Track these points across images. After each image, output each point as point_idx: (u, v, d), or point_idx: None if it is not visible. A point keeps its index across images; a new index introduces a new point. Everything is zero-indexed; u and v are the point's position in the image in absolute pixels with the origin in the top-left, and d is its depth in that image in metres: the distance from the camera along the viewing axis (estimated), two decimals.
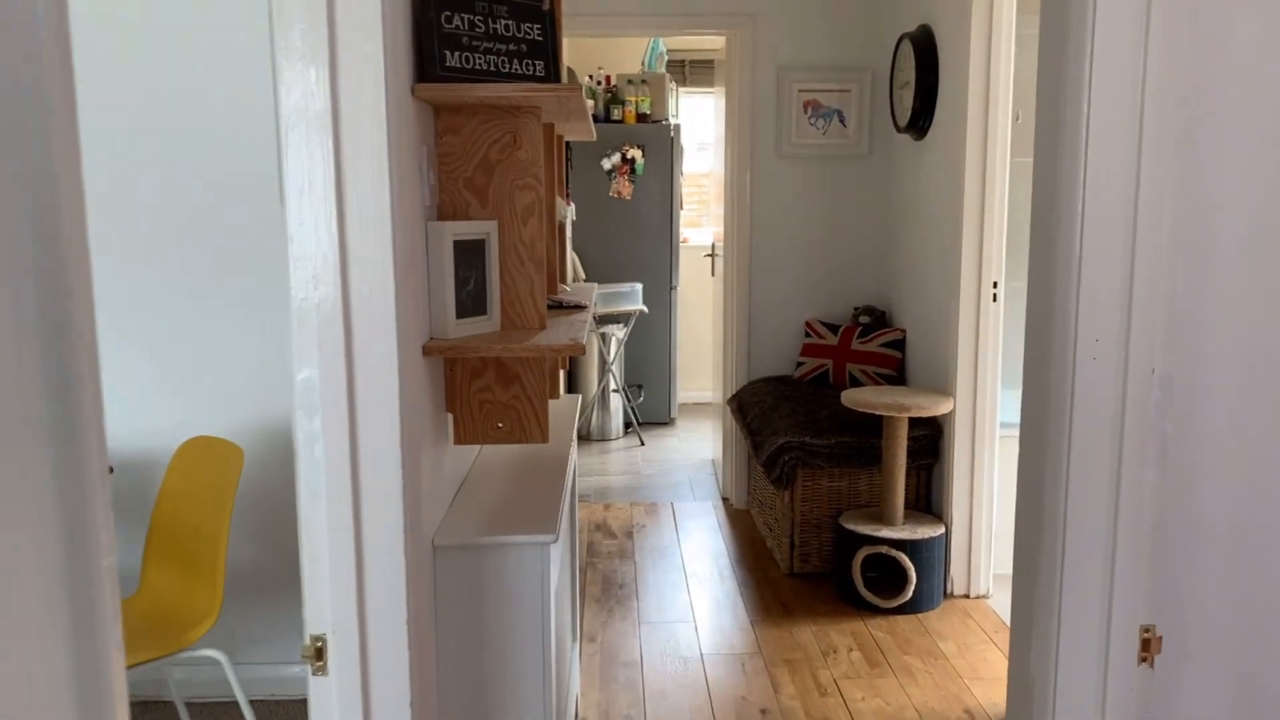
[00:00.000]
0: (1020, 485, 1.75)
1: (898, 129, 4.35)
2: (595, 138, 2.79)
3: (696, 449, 6.00)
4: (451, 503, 1.97)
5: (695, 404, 7.05)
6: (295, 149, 1.47)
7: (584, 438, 6.23)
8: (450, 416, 1.93)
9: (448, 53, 1.69)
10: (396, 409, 1.54)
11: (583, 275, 6.08)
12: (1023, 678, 1.77)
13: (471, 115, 1.83)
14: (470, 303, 1.82)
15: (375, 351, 1.52)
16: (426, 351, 1.72)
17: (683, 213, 6.72)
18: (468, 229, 1.80)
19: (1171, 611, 1.59)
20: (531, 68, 1.79)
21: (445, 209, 1.86)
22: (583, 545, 4.41)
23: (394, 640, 1.59)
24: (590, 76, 6.37)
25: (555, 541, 1.78)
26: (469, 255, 1.81)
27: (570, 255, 6.16)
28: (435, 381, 1.84)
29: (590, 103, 6.34)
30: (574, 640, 3.05)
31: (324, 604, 1.57)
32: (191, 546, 2.62)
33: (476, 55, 1.73)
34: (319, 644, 1.58)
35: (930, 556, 3.71)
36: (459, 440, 1.91)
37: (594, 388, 6.17)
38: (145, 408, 2.92)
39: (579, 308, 2.21)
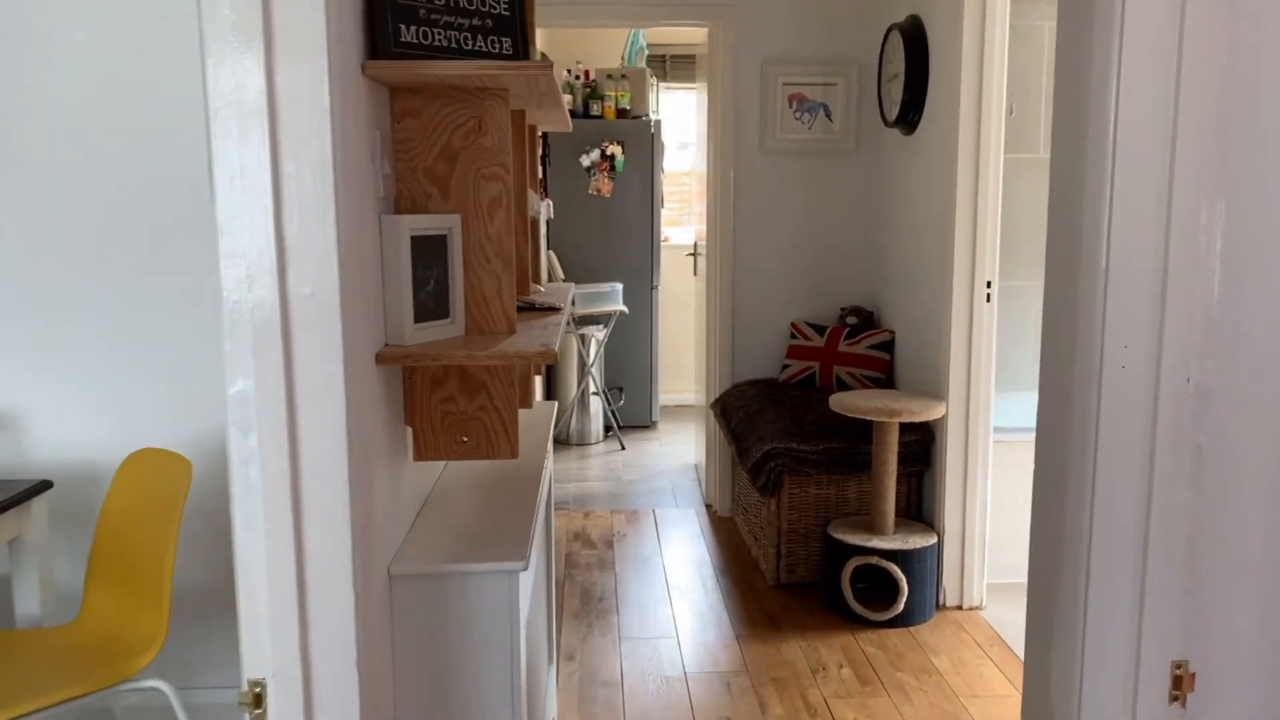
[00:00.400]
0: (1036, 504, 1.60)
1: (886, 123, 4.21)
2: (571, 128, 2.63)
3: (679, 453, 5.84)
4: (411, 526, 1.80)
5: (677, 406, 6.88)
6: (225, 132, 1.30)
7: (563, 442, 6.06)
8: (409, 430, 1.75)
9: (402, 27, 1.52)
10: (342, 424, 1.36)
11: (561, 275, 5.91)
12: (1041, 714, 1.62)
13: (432, 97, 1.65)
14: (430, 305, 1.65)
15: (318, 360, 1.35)
16: (380, 359, 1.54)
17: (664, 211, 6.56)
18: (427, 223, 1.62)
19: (1205, 645, 1.44)
20: (497, 45, 1.62)
21: (403, 201, 1.68)
22: (561, 556, 4.24)
23: (342, 684, 1.41)
24: (569, 71, 6.19)
25: (525, 569, 1.62)
26: (429, 252, 1.64)
27: (548, 254, 6.00)
28: (392, 392, 1.67)
29: (568, 97, 6.17)
30: (550, 661, 2.89)
31: (263, 644, 1.40)
32: (136, 568, 2.43)
33: (435, 30, 1.56)
34: (258, 689, 1.41)
35: (922, 567, 3.56)
36: (419, 456, 1.73)
37: (573, 391, 6.00)
38: (90, 418, 2.73)
39: (553, 310, 2.04)
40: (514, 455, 1.73)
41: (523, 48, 1.63)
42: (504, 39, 1.63)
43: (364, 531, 1.45)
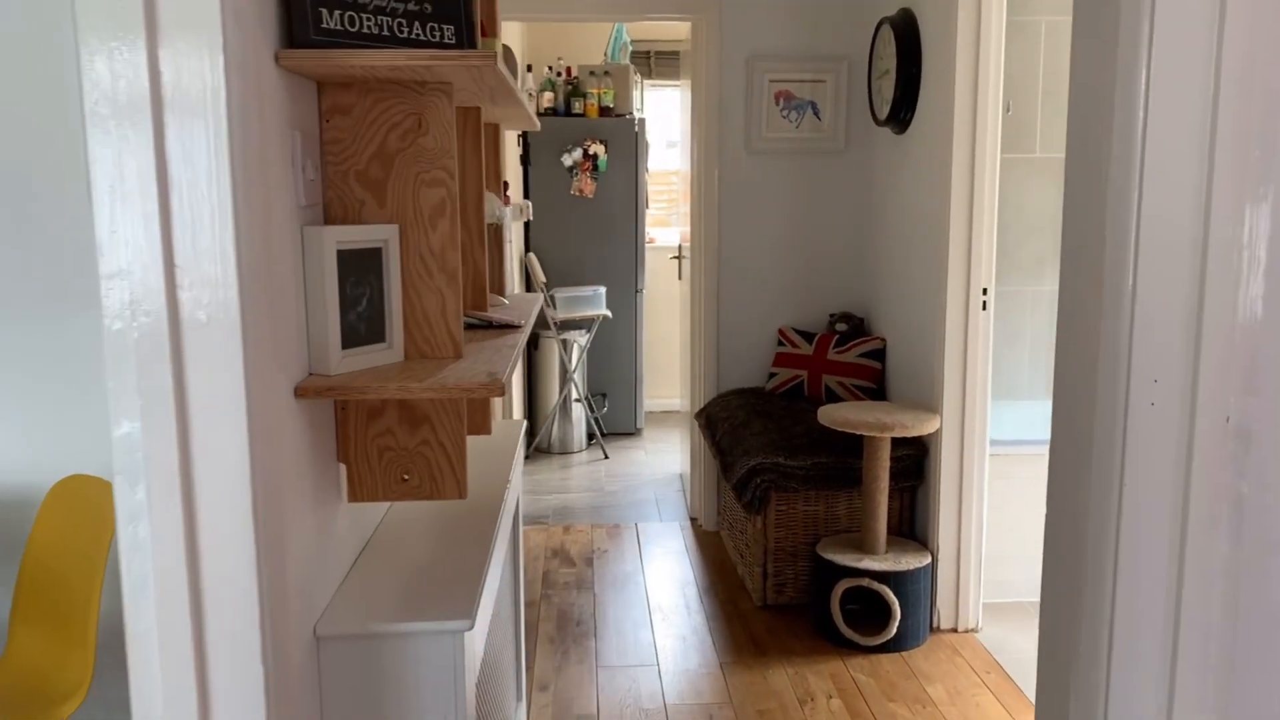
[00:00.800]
0: (1049, 560, 1.41)
1: (877, 122, 4.02)
2: (538, 126, 2.44)
3: (664, 462, 5.66)
4: (347, 574, 1.60)
5: (663, 412, 6.70)
6: (102, 135, 1.10)
7: (544, 451, 5.86)
8: (343, 468, 1.56)
9: (324, 11, 1.33)
10: (246, 471, 1.17)
11: (543, 278, 5.71)
12: None
13: (364, 93, 1.46)
14: (362, 328, 1.45)
15: (217, 397, 1.16)
16: (300, 392, 1.35)
17: (649, 211, 6.37)
18: (358, 235, 1.43)
19: None
20: (438, 33, 1.43)
21: (334, 209, 1.49)
22: (538, 574, 4.05)
23: None
24: (550, 68, 6.00)
25: (471, 629, 1.42)
26: (361, 268, 1.44)
27: (529, 257, 5.80)
28: (320, 426, 1.48)
29: (549, 95, 5.97)
30: (519, 698, 2.70)
31: None
32: (62, 605, 2.24)
33: (365, 16, 1.36)
34: None
35: (915, 589, 3.39)
36: (354, 497, 1.54)
37: (554, 398, 5.80)
38: (17, 440, 2.52)
39: (510, 328, 1.85)
40: (461, 495, 1.54)
41: (467, 36, 1.44)
42: (446, 26, 1.44)
43: (278, 592, 1.26)
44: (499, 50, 1.93)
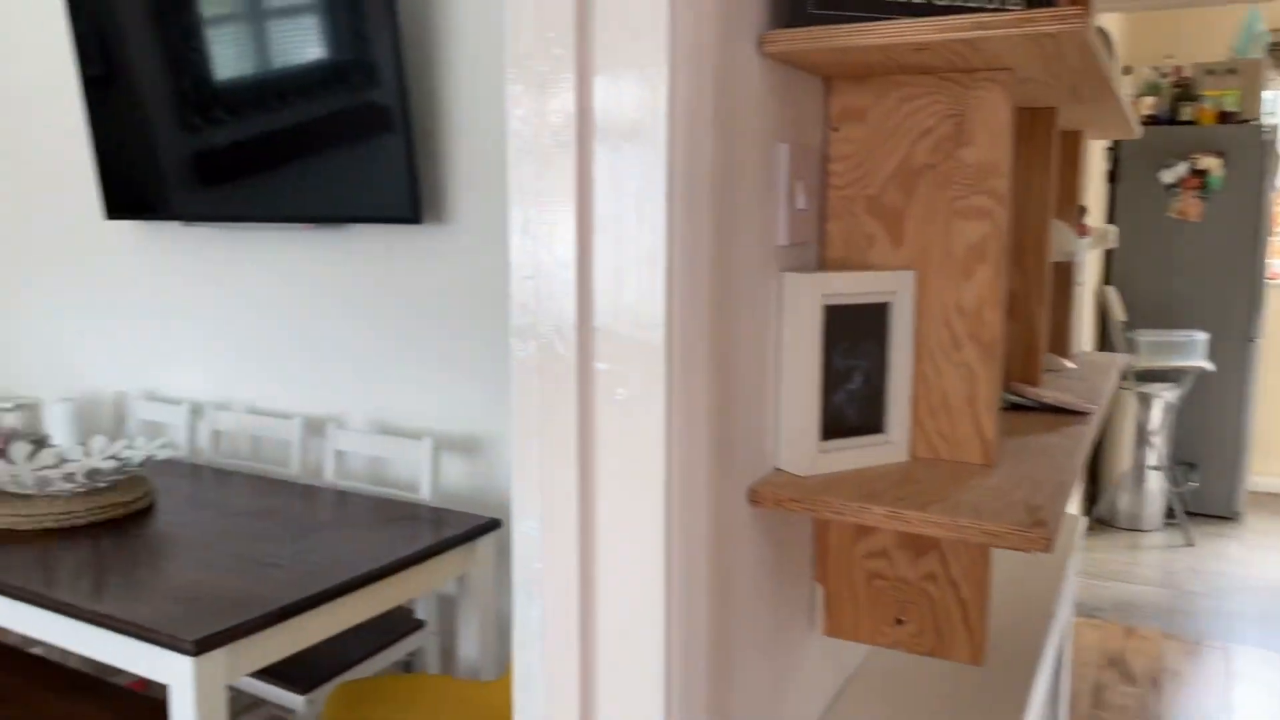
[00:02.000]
0: None
1: None
2: (1138, 132, 1.82)
3: (1273, 564, 4.39)
4: None
5: (1274, 495, 5.28)
6: (520, 159, 0.85)
7: (1106, 524, 4.92)
8: (821, 590, 1.18)
9: None
10: (661, 593, 0.85)
11: (1122, 317, 4.79)
12: None
13: (884, 90, 1.06)
14: (852, 413, 1.06)
15: (632, 497, 0.85)
16: (756, 498, 1.00)
17: (1275, 240, 5.04)
18: (855, 286, 1.04)
19: None
20: None
21: (833, 248, 1.12)
22: (1085, 685, 3.29)
23: None
24: (1154, 68, 5.03)
25: None
26: (857, 331, 1.05)
27: (1107, 290, 4.91)
28: (789, 531, 1.11)
29: (1151, 100, 5.00)
30: None
31: None
32: None
33: None
34: None
35: None
36: (831, 631, 1.15)
37: (1125, 461, 4.84)
38: None
39: (1072, 414, 1.31)
40: (975, 661, 1.07)
41: None
42: None
43: None
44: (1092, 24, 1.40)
